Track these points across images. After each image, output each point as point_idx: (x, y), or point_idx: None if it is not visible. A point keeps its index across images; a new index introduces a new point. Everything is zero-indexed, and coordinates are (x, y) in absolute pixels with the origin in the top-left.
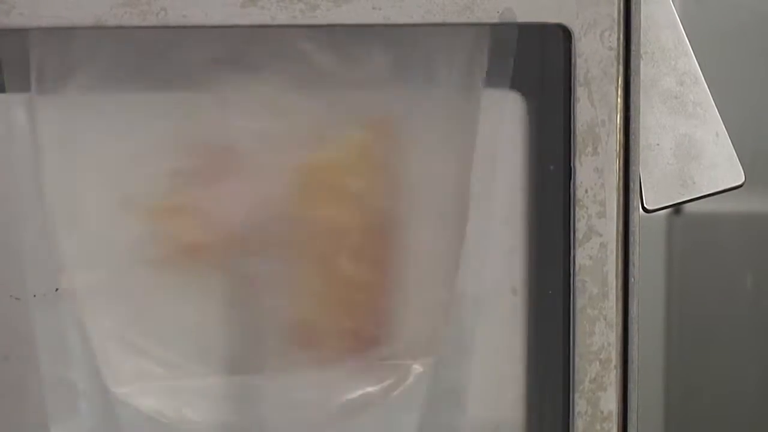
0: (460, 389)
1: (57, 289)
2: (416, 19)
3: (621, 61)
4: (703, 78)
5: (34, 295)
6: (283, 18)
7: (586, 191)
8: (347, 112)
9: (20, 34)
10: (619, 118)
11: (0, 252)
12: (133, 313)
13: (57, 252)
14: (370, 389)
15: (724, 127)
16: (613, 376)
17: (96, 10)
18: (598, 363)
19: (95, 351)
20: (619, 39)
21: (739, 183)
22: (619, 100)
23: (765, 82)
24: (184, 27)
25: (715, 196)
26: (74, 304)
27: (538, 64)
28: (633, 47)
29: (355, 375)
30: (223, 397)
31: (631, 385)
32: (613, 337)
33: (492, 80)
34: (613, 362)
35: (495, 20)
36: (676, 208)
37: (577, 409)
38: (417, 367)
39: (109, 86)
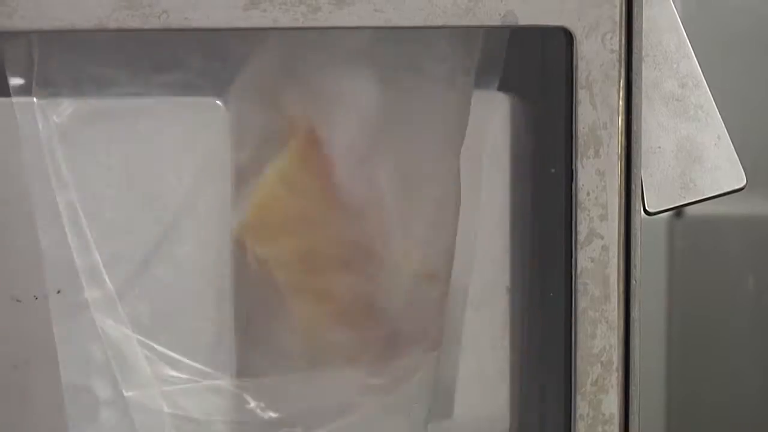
0: (461, 390)
1: (58, 291)
2: (417, 21)
3: (623, 63)
4: (704, 81)
5: (35, 297)
6: (285, 21)
7: (588, 194)
8: None
9: (23, 37)
10: (620, 121)
11: (3, 254)
12: (148, 316)
13: (66, 255)
14: (374, 386)
15: (725, 130)
16: (614, 379)
17: (98, 13)
18: (599, 365)
19: (110, 354)
20: (620, 42)
21: (741, 186)
22: (620, 102)
23: (767, 84)
24: (186, 30)
25: (716, 199)
26: (87, 307)
27: (539, 67)
28: (635, 50)
29: (360, 372)
30: (236, 397)
31: (632, 388)
32: (615, 339)
33: (490, 81)
34: (615, 364)
35: (497, 23)
36: (678, 210)
37: (578, 411)
38: (420, 364)
39: (110, 89)
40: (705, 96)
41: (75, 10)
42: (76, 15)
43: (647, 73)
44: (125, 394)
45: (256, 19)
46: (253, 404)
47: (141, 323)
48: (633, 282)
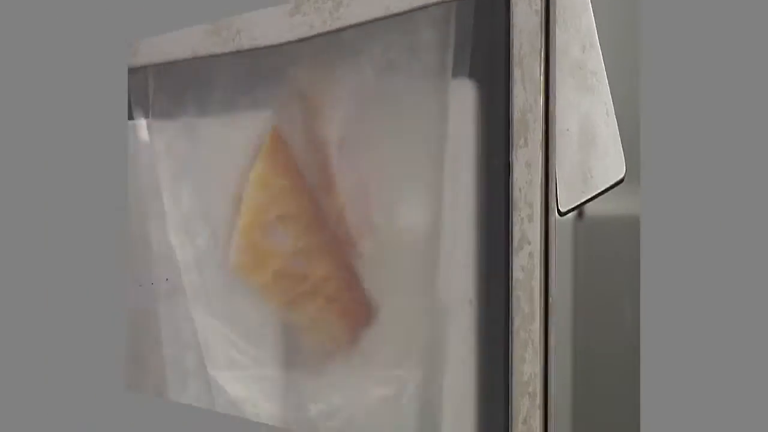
0: (436, 407)
1: (167, 279)
2: (404, 6)
3: (542, 28)
4: (597, 40)
5: (152, 283)
6: (317, 24)
7: (520, 190)
8: None
9: (141, 72)
10: (542, 99)
11: (134, 245)
12: (228, 309)
13: (169, 250)
14: (375, 396)
15: (611, 99)
16: (538, 416)
17: (191, 42)
18: (527, 398)
19: (199, 338)
20: (542, 1)
21: (621, 176)
22: (541, 78)
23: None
24: (255, 48)
25: (605, 196)
26: (183, 296)
27: (486, 54)
28: (551, 9)
29: (360, 385)
30: (280, 388)
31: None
32: (538, 366)
33: (461, 69)
34: (538, 400)
35: None
36: (579, 210)
37: None
38: (410, 382)
39: (204, 110)
40: (597, 58)
41: (177, 45)
42: (178, 48)
43: (558, 35)
44: (210, 373)
45: (296, 26)
46: (292, 397)
47: (222, 314)
48: (550, 299)
